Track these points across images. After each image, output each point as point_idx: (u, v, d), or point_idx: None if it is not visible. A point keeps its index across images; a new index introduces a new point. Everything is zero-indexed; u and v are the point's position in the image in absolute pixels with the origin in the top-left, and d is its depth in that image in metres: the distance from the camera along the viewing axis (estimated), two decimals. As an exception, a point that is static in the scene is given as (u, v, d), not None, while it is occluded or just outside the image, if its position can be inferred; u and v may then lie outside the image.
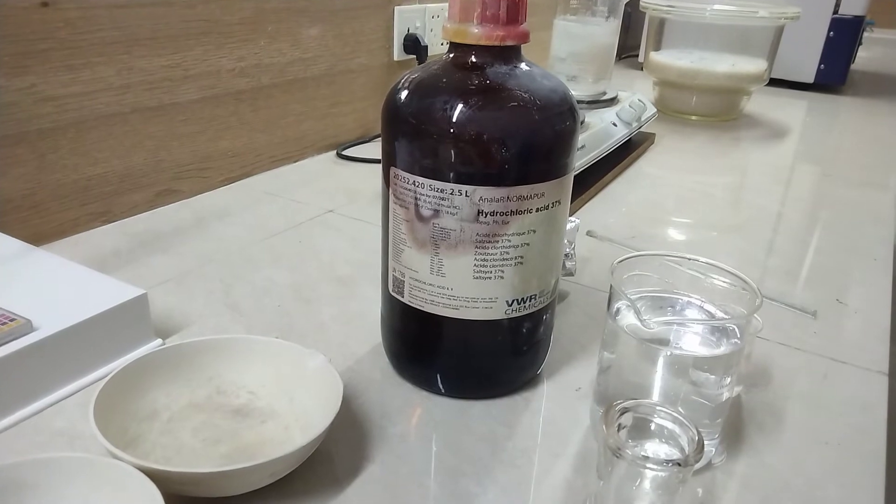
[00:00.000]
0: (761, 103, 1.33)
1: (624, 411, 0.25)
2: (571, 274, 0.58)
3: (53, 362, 0.42)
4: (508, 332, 0.43)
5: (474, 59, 0.39)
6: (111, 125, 0.65)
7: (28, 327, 0.41)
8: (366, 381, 0.46)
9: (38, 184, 0.61)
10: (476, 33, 0.38)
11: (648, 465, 0.23)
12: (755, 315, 0.39)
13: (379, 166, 0.43)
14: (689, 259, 0.41)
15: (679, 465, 0.23)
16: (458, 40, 0.39)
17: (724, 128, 1.19)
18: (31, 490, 0.32)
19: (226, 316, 0.53)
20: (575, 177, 0.76)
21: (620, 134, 0.88)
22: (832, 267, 0.69)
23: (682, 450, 0.24)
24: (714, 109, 1.20)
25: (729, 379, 0.38)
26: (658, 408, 0.25)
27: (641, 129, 0.99)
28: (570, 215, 0.63)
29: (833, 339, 0.54)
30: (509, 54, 0.39)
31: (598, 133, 0.83)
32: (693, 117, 1.21)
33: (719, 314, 0.40)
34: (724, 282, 0.40)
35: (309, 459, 0.37)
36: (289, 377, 0.41)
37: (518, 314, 0.42)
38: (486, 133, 0.37)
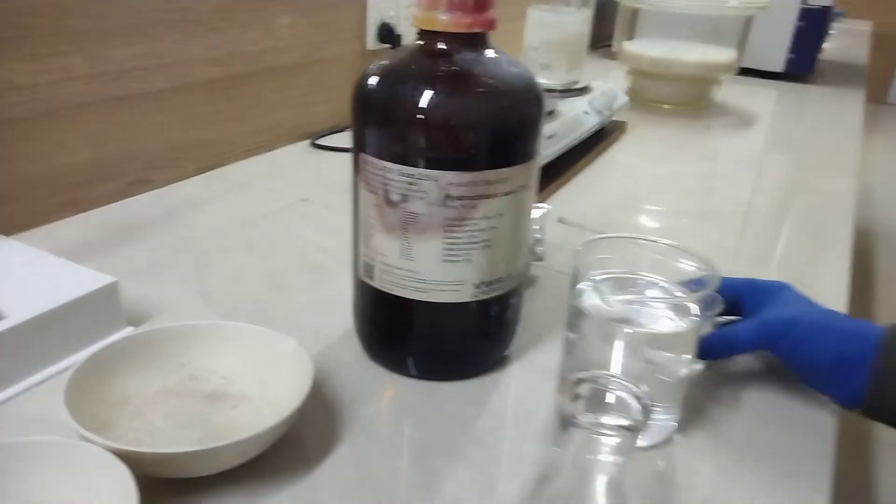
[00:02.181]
0: (732, 92, 1.35)
1: (579, 382, 0.26)
2: (541, 259, 0.59)
3: (24, 350, 0.42)
4: (477, 314, 0.44)
5: (442, 46, 0.40)
6: (81, 115, 0.65)
7: (-3, 315, 0.41)
8: (337, 364, 0.46)
9: (8, 174, 0.61)
10: (444, 20, 0.39)
11: (599, 430, 0.24)
12: (717, 296, 0.41)
13: (352, 156, 0.43)
14: (652, 241, 0.42)
15: (629, 429, 0.25)
16: (426, 27, 0.40)
17: (695, 116, 1.21)
18: (1, 476, 0.32)
19: (199, 304, 0.53)
20: (547, 165, 0.78)
21: (592, 122, 0.89)
22: (795, 251, 0.71)
23: (634, 418, 0.25)
24: (685, 98, 1.22)
25: (687, 356, 0.39)
26: (611, 377, 0.26)
27: (613, 118, 1.01)
28: (542, 202, 0.64)
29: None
30: (477, 41, 0.40)
31: (569, 121, 0.84)
32: (665, 106, 1.22)
33: (678, 293, 0.41)
34: (685, 263, 0.42)
35: (280, 440, 0.38)
36: (260, 362, 0.42)
37: (486, 297, 0.43)
38: (454, 119, 0.38)
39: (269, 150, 0.88)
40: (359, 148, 0.41)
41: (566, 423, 0.25)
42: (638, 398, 0.25)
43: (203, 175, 0.79)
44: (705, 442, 0.41)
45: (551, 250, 0.62)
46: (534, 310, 0.54)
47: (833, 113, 1.33)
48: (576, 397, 0.25)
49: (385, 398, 0.44)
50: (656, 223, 0.78)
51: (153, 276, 0.57)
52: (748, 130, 1.17)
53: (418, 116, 0.38)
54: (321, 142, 0.91)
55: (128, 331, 0.48)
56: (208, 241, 0.64)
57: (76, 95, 0.64)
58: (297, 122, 0.92)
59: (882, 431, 1.43)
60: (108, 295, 0.46)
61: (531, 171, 0.42)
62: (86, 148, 0.66)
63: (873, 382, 0.39)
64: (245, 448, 0.34)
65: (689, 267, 0.40)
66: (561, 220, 0.72)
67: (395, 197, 0.40)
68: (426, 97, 0.38)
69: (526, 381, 0.46)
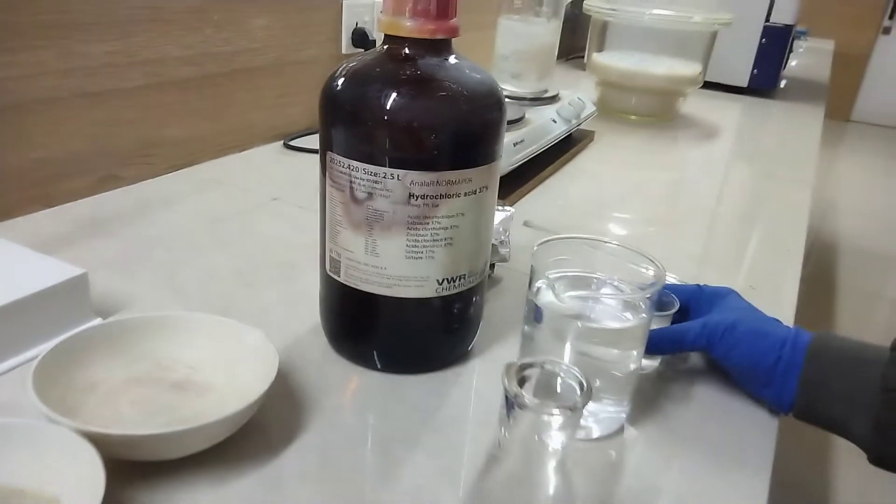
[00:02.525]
0: (698, 105, 1.39)
1: (525, 367, 0.28)
2: (506, 260, 0.61)
3: (-9, 339, 0.42)
4: (440, 310, 0.46)
5: (407, 51, 0.42)
6: (53, 110, 0.65)
7: (-35, 305, 0.41)
8: (304, 358, 0.48)
9: (-24, 166, 0.61)
10: (408, 26, 0.41)
11: (543, 410, 0.26)
12: (673, 296, 0.44)
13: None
14: (605, 242, 0.45)
15: (570, 409, 0.26)
16: (391, 32, 0.41)
17: (661, 127, 1.25)
18: (-33, 455, 0.33)
19: (168, 299, 0.54)
20: (514, 170, 0.80)
21: (560, 130, 0.92)
22: (753, 259, 0.74)
23: (575, 399, 0.27)
24: (652, 110, 1.26)
25: (636, 352, 0.41)
26: (555, 362, 0.28)
27: (581, 127, 1.04)
28: (509, 206, 0.66)
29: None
30: (440, 47, 0.42)
31: (537, 128, 0.86)
32: (632, 117, 1.26)
33: (630, 291, 0.43)
34: (636, 264, 0.44)
35: (245, 428, 0.39)
36: (227, 352, 0.43)
37: (449, 293, 0.45)
38: (417, 121, 0.40)
39: (242, 150, 0.89)
40: (326, 147, 0.43)
41: (512, 405, 0.27)
42: (580, 381, 0.27)
43: (175, 173, 0.80)
44: (654, 433, 0.43)
45: (516, 252, 0.64)
46: (497, 308, 0.56)
47: (794, 128, 1.38)
48: (522, 381, 0.27)
49: (349, 390, 0.45)
50: (622, 230, 0.80)
51: (123, 271, 0.57)
52: (712, 142, 1.21)
53: (383, 118, 0.40)
54: (294, 143, 0.93)
55: (96, 322, 0.48)
56: (179, 238, 0.64)
57: (48, 90, 0.64)
58: (270, 122, 0.93)
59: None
60: (77, 286, 0.47)
61: (493, 173, 0.44)
62: (57, 143, 0.67)
63: (803, 388, 0.41)
64: (211, 432, 0.35)
65: (639, 268, 0.43)
66: (527, 224, 0.74)
67: (360, 195, 0.42)
68: (390, 99, 0.40)
69: (487, 375, 0.48)
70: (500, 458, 0.28)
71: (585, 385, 0.26)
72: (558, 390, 0.28)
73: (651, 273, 0.42)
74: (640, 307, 0.41)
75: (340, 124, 0.42)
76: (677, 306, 0.48)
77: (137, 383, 0.42)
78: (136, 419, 0.39)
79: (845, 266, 2.49)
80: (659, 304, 0.44)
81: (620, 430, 0.43)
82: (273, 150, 0.91)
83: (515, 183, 0.81)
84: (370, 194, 0.41)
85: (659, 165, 1.07)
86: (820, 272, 2.38)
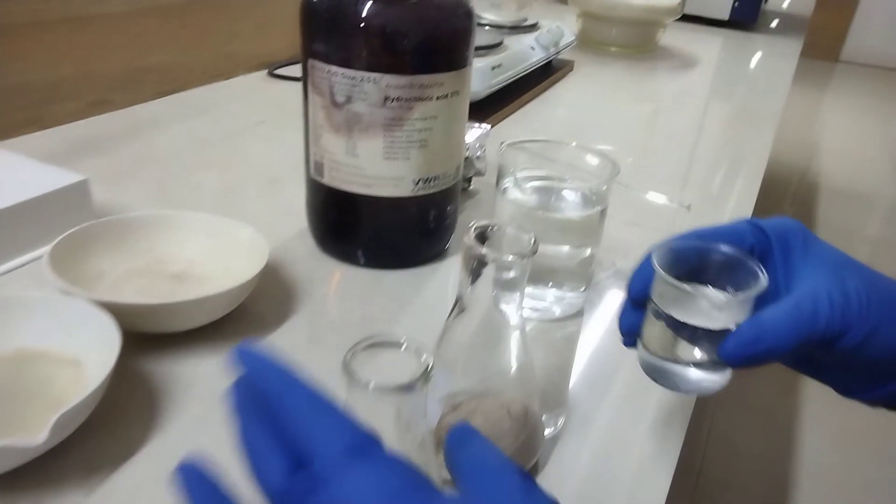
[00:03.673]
0: (678, 38, 1.41)
1: (480, 228, 0.31)
2: (482, 174, 0.65)
3: (6, 235, 0.46)
4: (417, 208, 0.50)
5: (382, -38, 0.44)
6: (39, 33, 0.67)
7: (-23, 203, 0.45)
8: (293, 256, 0.52)
9: (-30, 87, 0.63)
10: (382, -63, 0.43)
11: (499, 260, 0.30)
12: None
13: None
14: (567, 144, 0.48)
15: (521, 256, 0.30)
16: (366, -56, 0.44)
17: (640, 59, 1.27)
18: (-5, 324, 0.37)
19: (162, 208, 0.58)
20: (492, 95, 0.83)
21: (538, 57, 0.94)
22: (718, 174, 0.78)
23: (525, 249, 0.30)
24: (632, 41, 1.28)
25: (589, 249, 0.46)
26: (506, 224, 0.31)
27: (560, 57, 1.06)
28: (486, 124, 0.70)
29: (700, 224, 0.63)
30: (413, -41, 0.45)
31: (515, 55, 0.88)
32: (612, 48, 1.28)
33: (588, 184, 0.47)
34: (597, 163, 0.48)
35: (241, 309, 0.43)
36: (222, 247, 0.47)
37: (424, 192, 0.49)
38: (390, 26, 0.43)
39: (227, 79, 0.91)
40: (307, 55, 0.46)
41: (471, 261, 0.31)
42: (528, 235, 0.30)
43: (162, 99, 0.82)
44: (610, 318, 0.48)
45: (491, 169, 0.68)
46: (472, 216, 0.60)
47: (770, 63, 1.40)
48: (480, 238, 0.31)
49: (335, 281, 0.50)
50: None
51: (117, 185, 0.60)
52: (689, 74, 1.24)
53: (359, 24, 0.43)
54: (279, 72, 0.94)
55: (98, 226, 0.52)
56: (169, 156, 0.67)
57: (32, 13, 0.66)
58: (254, 52, 0.94)
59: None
60: (79, 191, 0.50)
61: (463, 79, 0.47)
62: (45, 67, 0.69)
63: None
64: (211, 305, 0.40)
65: (593, 162, 0.46)
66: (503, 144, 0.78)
67: (340, 98, 0.45)
68: (366, 7, 0.42)
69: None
70: (465, 310, 0.32)
71: (534, 238, 0.30)
72: (510, 240, 0.31)
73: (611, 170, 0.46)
74: (596, 199, 0.45)
75: (320, 32, 0.45)
76: (765, 283, 0.29)
77: (140, 274, 0.46)
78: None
79: (827, 206, 2.54)
80: (719, 273, 0.31)
81: (579, 313, 0.48)
82: (258, 79, 0.93)
83: (494, 107, 0.84)
84: (349, 98, 0.45)
85: (636, 96, 1.10)
86: (804, 212, 2.43)
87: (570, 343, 0.46)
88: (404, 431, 0.24)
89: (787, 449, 1.34)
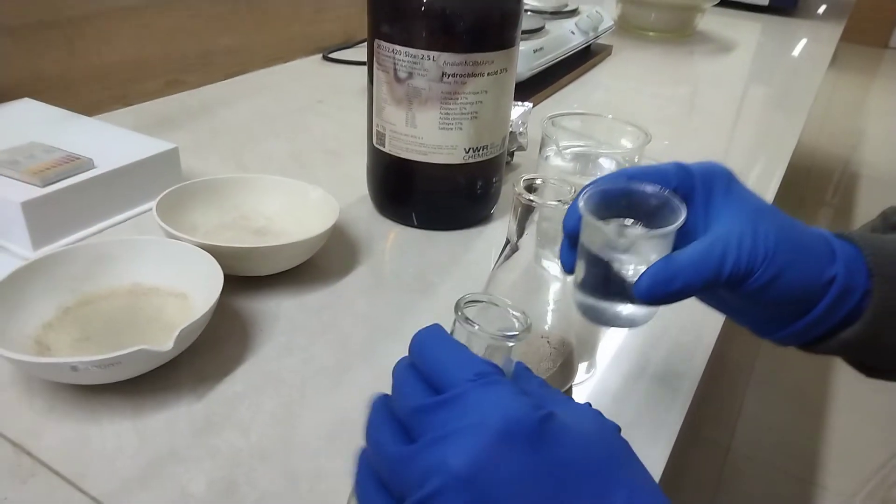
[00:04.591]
0: (717, 23, 1.43)
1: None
2: (524, 149, 0.70)
3: (110, 194, 0.53)
4: (466, 175, 0.55)
5: (440, -47, 0.50)
6: (128, 17, 0.74)
7: (90, 164, 0.52)
8: (355, 218, 0.58)
9: (69, 67, 0.71)
10: (442, -70, 0.49)
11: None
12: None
13: (362, 69, 0.54)
14: (604, 116, 0.53)
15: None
16: (427, -64, 0.49)
17: (679, 44, 1.30)
18: (113, 261, 0.44)
19: (238, 173, 0.65)
20: (532, 77, 0.89)
21: (577, 41, 0.99)
22: (748, 157, 0.82)
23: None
24: (670, 26, 1.31)
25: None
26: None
27: (599, 41, 1.10)
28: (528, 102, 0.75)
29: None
30: (468, -50, 0.50)
31: (556, 38, 0.93)
32: (651, 33, 1.31)
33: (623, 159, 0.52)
34: (633, 135, 0.53)
35: (312, 262, 0.50)
36: (296, 207, 0.53)
37: (474, 160, 0.54)
38: (448, 9, 0.49)
39: (285, 62, 0.98)
40: (373, 36, 0.52)
41: (519, 207, 0.35)
42: (569, 186, 0.34)
43: (229, 80, 0.89)
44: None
45: (533, 145, 0.73)
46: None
47: (811, 48, 1.41)
48: (528, 189, 0.36)
49: (392, 239, 0.56)
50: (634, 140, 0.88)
51: (197, 155, 0.68)
52: (726, 60, 1.26)
53: (421, 8, 0.48)
54: (333, 56, 1.01)
55: (185, 189, 0.59)
56: (239, 130, 0.75)
57: None
58: (310, 36, 1.01)
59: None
60: (171, 157, 0.57)
61: (511, 57, 0.53)
62: (131, 48, 0.76)
63: (875, 316, 0.30)
64: (293, 251, 0.46)
65: (626, 133, 0.51)
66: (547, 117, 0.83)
67: (402, 74, 0.51)
68: (428, -8, 0.48)
69: (504, 231, 0.58)
70: (509, 262, 0.37)
71: (574, 189, 0.35)
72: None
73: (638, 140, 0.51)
74: (626, 166, 0.50)
75: (385, 15, 0.50)
76: (681, 220, 0.30)
77: (228, 228, 0.52)
78: (230, 251, 0.50)
79: (867, 196, 2.51)
80: (648, 213, 0.32)
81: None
82: (313, 62, 1.00)
83: (535, 88, 0.89)
84: (410, 74, 0.50)
85: (673, 80, 1.13)
86: (846, 201, 2.41)
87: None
88: None
89: (816, 427, 1.37)
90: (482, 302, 0.29)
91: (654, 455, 0.38)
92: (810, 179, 2.43)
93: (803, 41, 1.45)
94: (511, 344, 0.28)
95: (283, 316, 0.46)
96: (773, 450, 1.32)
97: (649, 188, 0.31)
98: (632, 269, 0.31)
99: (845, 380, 1.47)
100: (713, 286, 0.30)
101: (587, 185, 0.32)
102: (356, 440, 0.25)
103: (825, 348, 0.32)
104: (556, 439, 0.21)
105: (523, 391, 0.23)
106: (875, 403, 1.37)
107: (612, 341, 0.46)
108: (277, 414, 0.38)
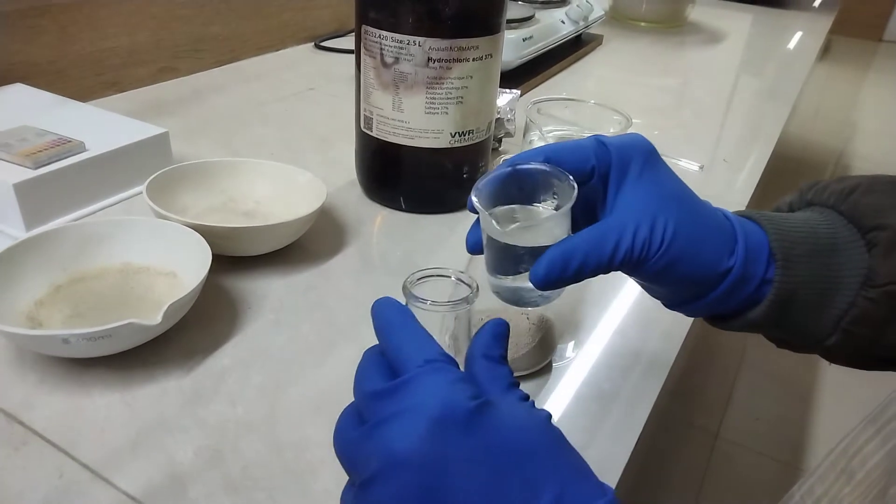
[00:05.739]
0: (708, 13, 1.44)
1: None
2: (511, 135, 0.71)
3: (101, 176, 0.54)
4: (453, 158, 0.56)
5: (426, -61, 0.50)
6: (119, 4, 0.75)
7: (81, 147, 0.53)
8: (343, 202, 0.59)
9: (60, 53, 0.71)
10: (427, -83, 0.49)
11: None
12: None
13: (353, 56, 0.55)
14: (589, 102, 0.54)
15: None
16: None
17: (669, 34, 1.31)
18: (105, 240, 0.45)
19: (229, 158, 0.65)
20: (523, 65, 0.89)
21: (567, 30, 1.00)
22: (735, 145, 0.83)
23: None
24: (661, 16, 1.31)
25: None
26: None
27: (590, 31, 1.11)
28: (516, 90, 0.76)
29: (710, 184, 0.69)
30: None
31: (546, 28, 0.94)
32: (642, 24, 1.32)
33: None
34: (617, 120, 0.54)
35: (300, 243, 0.51)
36: (285, 190, 0.54)
37: (459, 145, 0.55)
38: (434, -4, 0.49)
39: (277, 50, 0.99)
40: (361, 21, 0.52)
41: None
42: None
43: (220, 67, 0.90)
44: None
45: (520, 131, 0.74)
46: (501, 171, 0.66)
47: (800, 40, 1.42)
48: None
49: (379, 221, 0.57)
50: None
51: (188, 140, 0.68)
52: (718, 49, 1.27)
53: (408, -7, 0.49)
54: (324, 44, 1.01)
55: (176, 173, 0.60)
56: (230, 117, 0.75)
57: (114, -13, 0.74)
58: (301, 24, 1.01)
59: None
60: (161, 141, 0.58)
61: (497, 43, 0.54)
62: (123, 35, 0.77)
63: (776, 299, 0.31)
64: (280, 232, 0.47)
65: (609, 118, 0.52)
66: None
67: (389, 59, 0.52)
68: (414, -22, 0.49)
69: (490, 216, 0.59)
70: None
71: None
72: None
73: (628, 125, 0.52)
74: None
75: (372, 1, 0.51)
76: (574, 197, 0.30)
77: (217, 211, 0.53)
78: (219, 232, 0.51)
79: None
80: (546, 190, 0.32)
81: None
82: (305, 50, 1.01)
83: (525, 77, 0.90)
84: (397, 59, 0.51)
85: (663, 70, 1.14)
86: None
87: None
88: (451, 346, 0.30)
89: (804, 414, 1.39)
90: (431, 276, 0.31)
91: (630, 424, 0.39)
92: (803, 172, 2.45)
93: (794, 32, 1.46)
94: (463, 309, 0.29)
95: (271, 295, 0.47)
96: (761, 436, 1.34)
97: (544, 167, 0.31)
98: (525, 253, 0.31)
99: (834, 368, 1.49)
100: (606, 271, 0.30)
101: (482, 176, 0.32)
102: (340, 412, 0.26)
103: (731, 326, 0.33)
104: (490, 426, 0.23)
105: (467, 379, 0.24)
106: (862, 391, 1.39)
107: (591, 319, 0.48)
108: (264, 387, 0.39)
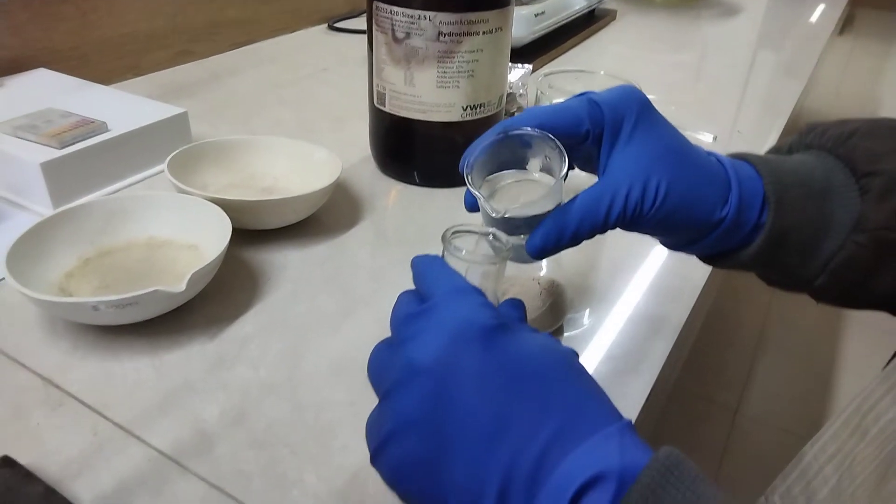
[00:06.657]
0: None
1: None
2: (523, 108, 0.72)
3: (124, 155, 0.56)
4: (465, 132, 0.57)
5: (435, -87, 0.51)
6: (136, -11, 0.77)
7: (104, 128, 0.55)
8: (358, 177, 0.60)
9: (82, 39, 0.73)
10: None
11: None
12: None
13: (366, 37, 0.55)
14: (599, 73, 0.55)
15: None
16: None
17: (684, 8, 1.29)
18: (130, 215, 0.47)
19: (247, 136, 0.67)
20: (535, 41, 0.89)
21: (580, 5, 0.99)
22: (750, 118, 0.83)
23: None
24: (676, -10, 1.30)
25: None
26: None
27: (602, 5, 1.10)
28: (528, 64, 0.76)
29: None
30: None
31: (558, 3, 0.94)
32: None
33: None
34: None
35: (317, 217, 0.52)
36: (301, 167, 0.56)
37: (471, 118, 0.56)
38: (443, -31, 0.50)
39: (292, 32, 1.00)
40: (372, -3, 0.53)
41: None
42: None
43: (236, 50, 0.91)
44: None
45: (532, 103, 0.75)
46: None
47: (818, 12, 1.40)
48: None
49: (394, 195, 0.58)
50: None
51: (207, 121, 0.70)
52: (733, 23, 1.26)
53: (418, -32, 0.50)
54: (338, 25, 1.02)
55: (196, 152, 0.61)
56: (248, 98, 0.77)
57: (132, -28, 0.75)
58: (315, 6, 1.02)
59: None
60: (181, 121, 0.60)
61: (506, 16, 0.54)
62: (141, 20, 0.78)
63: (767, 240, 0.32)
64: (297, 205, 0.49)
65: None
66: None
67: (400, 34, 0.52)
68: (423, -48, 0.50)
69: (503, 189, 0.60)
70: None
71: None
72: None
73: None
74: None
75: (383, -24, 0.52)
76: (565, 168, 0.31)
77: (236, 187, 0.55)
78: (238, 207, 0.52)
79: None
80: (526, 153, 0.33)
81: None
82: (318, 32, 1.01)
83: (537, 52, 0.90)
84: (408, 34, 0.52)
85: (679, 45, 1.13)
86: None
87: (597, 244, 0.53)
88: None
89: (824, 390, 1.38)
90: (467, 232, 0.32)
91: (638, 384, 0.40)
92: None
93: (816, 5, 1.43)
94: (493, 264, 0.31)
95: (289, 266, 0.48)
96: (780, 412, 1.34)
97: (534, 132, 0.31)
98: (522, 225, 0.32)
99: (854, 344, 1.48)
100: (601, 232, 0.31)
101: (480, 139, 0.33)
102: (357, 375, 0.27)
103: (724, 265, 0.35)
104: (507, 346, 0.24)
105: (492, 307, 0.26)
106: (882, 365, 1.38)
107: (602, 284, 0.48)
108: (284, 353, 0.41)
